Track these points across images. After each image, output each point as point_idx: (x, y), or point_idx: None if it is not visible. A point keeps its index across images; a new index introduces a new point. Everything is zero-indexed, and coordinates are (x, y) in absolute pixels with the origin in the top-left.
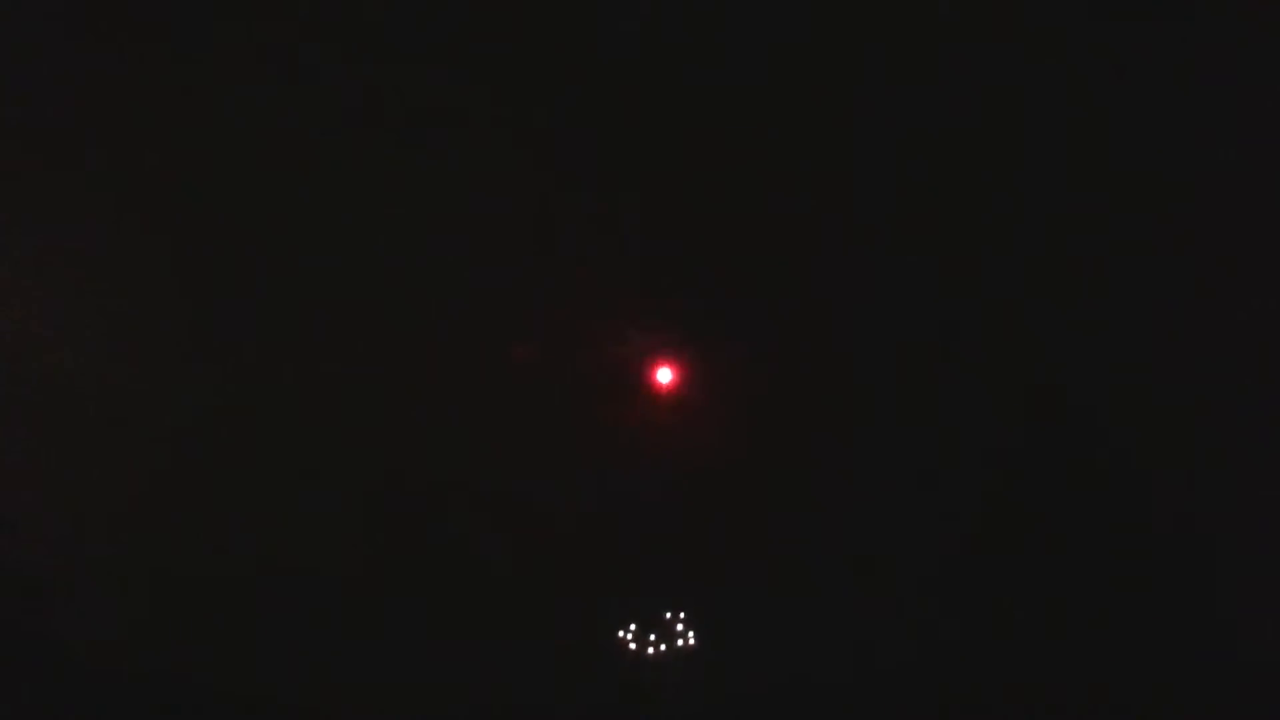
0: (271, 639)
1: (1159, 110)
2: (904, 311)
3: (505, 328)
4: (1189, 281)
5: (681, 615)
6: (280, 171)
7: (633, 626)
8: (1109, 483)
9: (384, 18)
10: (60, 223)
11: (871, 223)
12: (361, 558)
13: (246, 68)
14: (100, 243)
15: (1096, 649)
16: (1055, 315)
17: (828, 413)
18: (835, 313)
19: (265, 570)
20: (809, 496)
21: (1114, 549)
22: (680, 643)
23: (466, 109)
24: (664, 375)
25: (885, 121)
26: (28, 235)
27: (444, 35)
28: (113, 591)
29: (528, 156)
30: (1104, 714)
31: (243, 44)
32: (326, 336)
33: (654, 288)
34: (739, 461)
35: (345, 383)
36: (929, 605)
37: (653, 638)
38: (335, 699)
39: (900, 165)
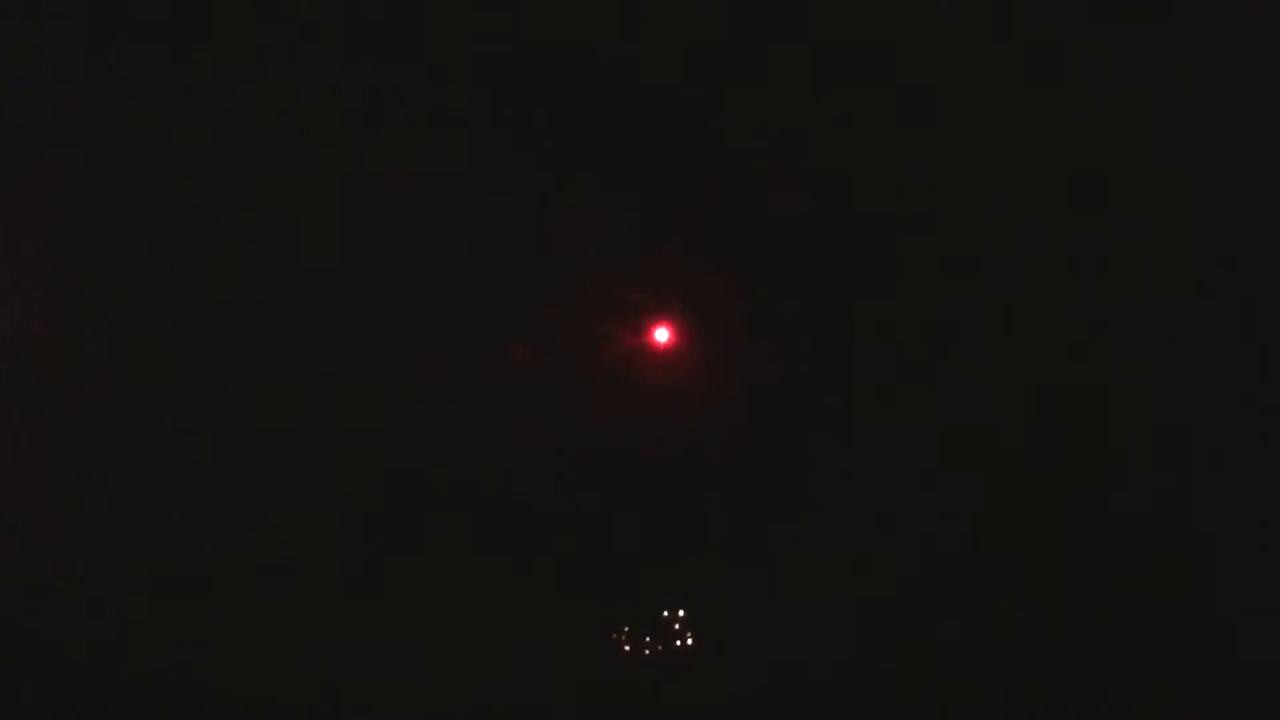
0: (271, 639)
1: (1159, 110)
2: (908, 283)
3: (499, 304)
4: (1189, 281)
5: (680, 614)
6: (280, 171)
7: (626, 628)
8: (1109, 482)
9: (381, 17)
10: (61, 223)
11: (873, 190)
12: (360, 557)
13: (247, 67)
14: (101, 242)
15: (1097, 649)
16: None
17: (829, 391)
18: (837, 280)
19: (265, 570)
20: (809, 484)
21: (1114, 549)
22: (677, 643)
23: (460, 83)
24: (661, 335)
25: (886, 91)
26: (28, 235)
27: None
28: (113, 592)
29: (524, 119)
30: (1104, 714)
31: (243, 44)
32: (326, 335)
33: (652, 249)
34: (738, 440)
35: (344, 379)
36: (931, 603)
37: (648, 639)
38: (333, 698)
39: (901, 136)
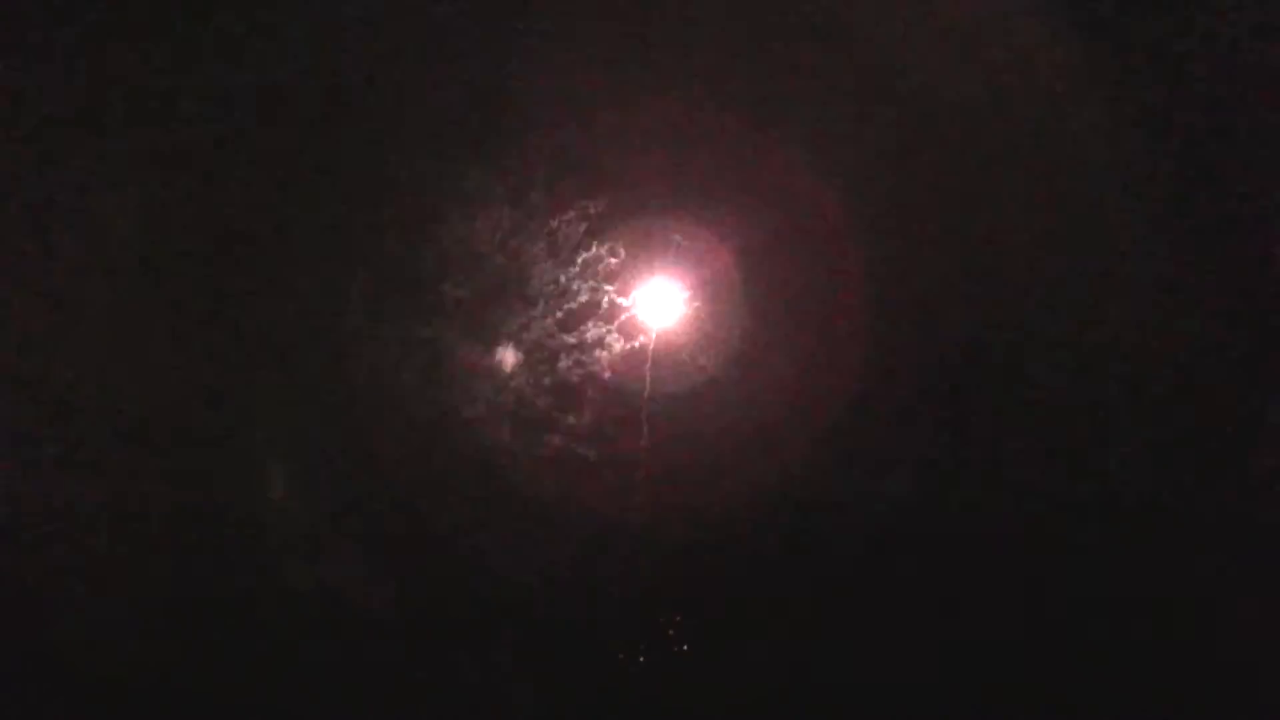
0: (270, 641)
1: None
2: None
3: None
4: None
5: (677, 620)
6: (274, 171)
7: (622, 635)
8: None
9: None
10: (61, 226)
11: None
12: (359, 559)
13: (244, 66)
14: (100, 246)
15: (1098, 653)
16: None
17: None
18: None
19: (263, 573)
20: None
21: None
22: (675, 650)
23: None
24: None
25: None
26: (28, 239)
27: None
28: (114, 596)
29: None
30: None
31: (241, 41)
32: (326, 336)
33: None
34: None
35: (344, 381)
36: (933, 605)
37: (644, 646)
38: (331, 699)
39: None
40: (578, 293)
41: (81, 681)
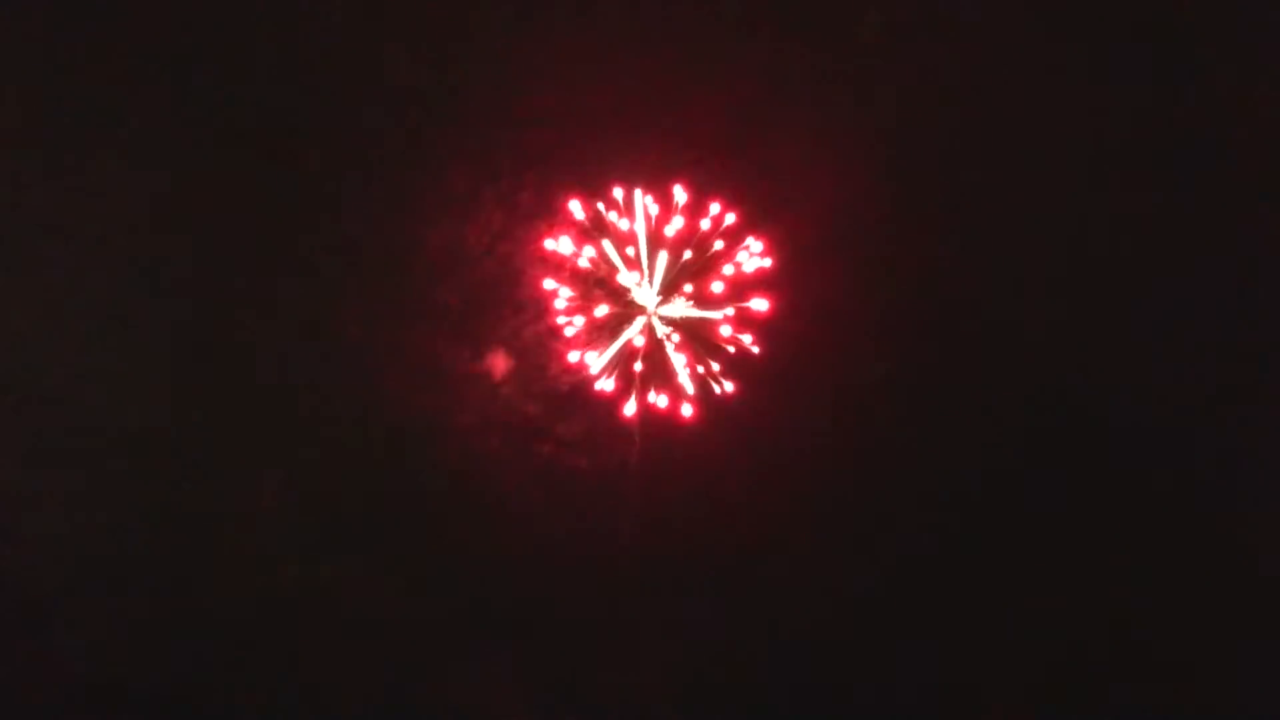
0: (268, 644)
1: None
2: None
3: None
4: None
5: (681, 626)
6: (274, 182)
7: (624, 641)
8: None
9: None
10: (62, 236)
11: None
12: (359, 563)
13: (241, 75)
14: (99, 255)
15: (1100, 658)
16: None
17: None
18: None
19: (262, 575)
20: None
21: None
22: (676, 657)
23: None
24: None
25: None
26: (28, 248)
27: None
28: (112, 598)
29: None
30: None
31: (238, 50)
32: (324, 339)
33: None
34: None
35: (344, 387)
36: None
37: (646, 655)
38: (331, 702)
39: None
40: (570, 298)
41: (80, 681)
